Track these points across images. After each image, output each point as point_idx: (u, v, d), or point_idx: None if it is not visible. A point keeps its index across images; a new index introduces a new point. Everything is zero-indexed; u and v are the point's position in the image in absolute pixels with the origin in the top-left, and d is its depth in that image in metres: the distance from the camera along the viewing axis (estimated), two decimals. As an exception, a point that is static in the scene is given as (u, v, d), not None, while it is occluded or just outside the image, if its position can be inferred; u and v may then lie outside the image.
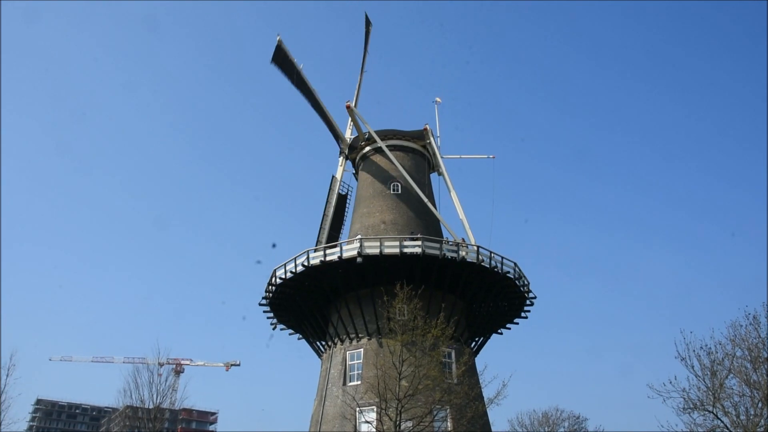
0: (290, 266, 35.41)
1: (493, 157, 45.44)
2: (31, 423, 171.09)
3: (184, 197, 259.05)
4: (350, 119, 43.09)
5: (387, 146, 40.72)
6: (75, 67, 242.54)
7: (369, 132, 41.53)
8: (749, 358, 32.34)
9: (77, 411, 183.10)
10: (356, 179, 44.57)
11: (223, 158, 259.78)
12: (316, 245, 40.18)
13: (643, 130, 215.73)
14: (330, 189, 43.19)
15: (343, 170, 44.04)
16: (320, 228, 41.98)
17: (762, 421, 31.14)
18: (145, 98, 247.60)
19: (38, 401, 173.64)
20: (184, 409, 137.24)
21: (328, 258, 34.32)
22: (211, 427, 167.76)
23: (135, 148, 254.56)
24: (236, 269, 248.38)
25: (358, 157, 43.82)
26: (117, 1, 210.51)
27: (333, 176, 43.62)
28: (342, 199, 43.98)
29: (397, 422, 25.84)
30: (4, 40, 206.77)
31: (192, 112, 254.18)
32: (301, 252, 35.13)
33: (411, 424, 26.94)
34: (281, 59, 39.59)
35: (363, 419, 30.56)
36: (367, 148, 42.85)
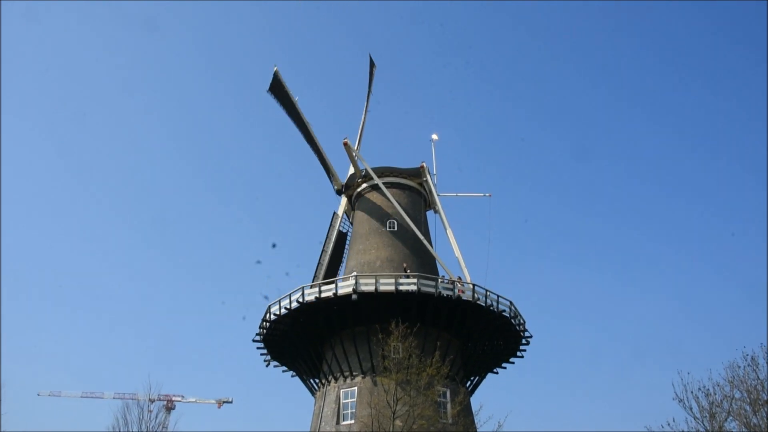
0: (285, 302, 35.25)
1: (490, 195, 45.65)
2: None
3: (172, 227, 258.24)
4: (348, 156, 43.32)
5: (383, 183, 40.92)
6: (75, 67, 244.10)
7: (366, 169, 41.80)
8: (748, 400, 32.01)
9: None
10: (350, 217, 44.54)
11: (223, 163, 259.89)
12: (314, 281, 40.06)
13: (647, 168, 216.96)
14: (330, 225, 43.18)
15: (344, 208, 44.16)
16: (318, 264, 41.87)
17: (763, 465, 30.70)
18: (146, 99, 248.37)
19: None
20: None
21: (323, 294, 34.20)
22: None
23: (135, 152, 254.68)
24: (242, 286, 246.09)
25: (354, 194, 43.97)
26: (117, 2, 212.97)
27: (334, 213, 43.69)
28: (342, 237, 43.93)
29: (391, 463, 25.43)
30: (4, 40, 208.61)
31: (192, 116, 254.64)
32: (296, 288, 35.04)
33: (405, 465, 26.51)
34: (278, 90, 40.01)
35: (356, 460, 30.06)
36: (364, 185, 43.02)
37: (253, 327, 37.92)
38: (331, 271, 42.15)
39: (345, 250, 44.22)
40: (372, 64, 47.45)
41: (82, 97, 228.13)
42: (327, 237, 42.65)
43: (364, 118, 46.24)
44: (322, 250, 42.32)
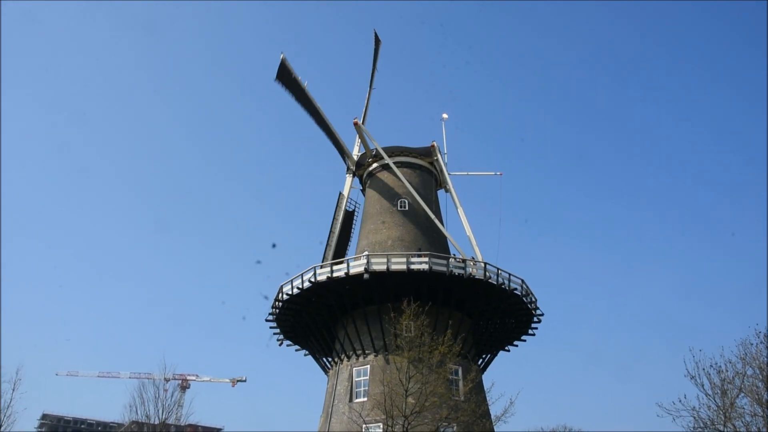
0: (297, 282, 35.44)
1: (501, 174, 45.53)
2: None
3: (186, 204, 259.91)
4: (357, 136, 43.27)
5: (394, 163, 40.87)
6: (75, 67, 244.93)
7: (376, 149, 41.71)
8: (760, 377, 32.01)
9: (83, 426, 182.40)
10: (363, 195, 44.63)
11: (224, 160, 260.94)
12: (323, 261, 40.25)
13: (653, 144, 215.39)
14: (337, 206, 43.25)
15: (351, 187, 44.15)
16: (327, 245, 41.98)
17: (774, 441, 30.75)
18: (146, 99, 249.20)
19: (44, 416, 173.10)
20: (190, 425, 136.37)
21: (335, 274, 34.34)
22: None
23: (135, 149, 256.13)
24: (245, 283, 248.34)
25: (365, 174, 43.96)
26: (117, 2, 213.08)
27: (340, 193, 43.75)
28: (349, 216, 44.00)
29: (404, 439, 25.69)
30: (4, 40, 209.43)
31: (193, 114, 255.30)
32: (308, 268, 35.19)
33: (418, 442, 26.79)
34: (285, 77, 39.72)
35: (369, 436, 30.37)
36: (375, 165, 43.00)
37: (266, 306, 38.25)
38: (340, 251, 42.30)
39: (353, 230, 44.39)
40: (377, 41, 47.05)
41: (83, 97, 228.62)
42: (334, 218, 42.68)
43: (369, 94, 45.92)
44: (330, 231, 42.37)
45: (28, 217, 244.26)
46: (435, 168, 43.45)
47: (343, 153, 44.06)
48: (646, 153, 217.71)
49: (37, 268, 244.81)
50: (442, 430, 29.77)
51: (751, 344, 32.67)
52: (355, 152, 44.57)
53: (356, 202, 44.82)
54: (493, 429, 33.39)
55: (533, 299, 36.89)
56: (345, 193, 43.68)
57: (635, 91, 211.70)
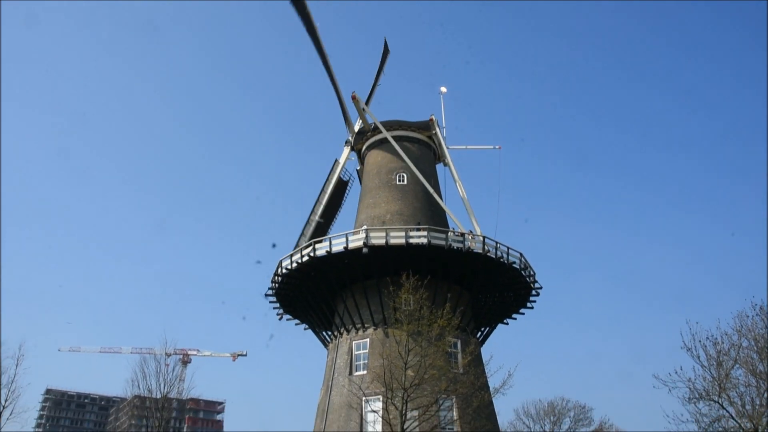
0: (296, 257, 35.52)
1: (500, 148, 45.44)
2: (41, 412, 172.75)
3: (189, 184, 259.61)
4: (356, 110, 42.97)
5: (393, 137, 40.70)
6: (75, 67, 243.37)
7: (375, 123, 41.50)
8: (756, 348, 32.32)
9: (86, 401, 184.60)
10: (360, 171, 44.41)
11: (225, 155, 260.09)
12: (309, 218, 40.85)
13: (645, 125, 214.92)
14: (331, 171, 43.19)
15: (347, 158, 43.91)
16: (316, 201, 42.24)
17: (767, 411, 31.18)
18: (146, 98, 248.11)
19: (48, 391, 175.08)
20: (192, 399, 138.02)
21: (334, 249, 34.39)
22: (219, 417, 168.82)
23: (136, 145, 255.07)
24: (241, 263, 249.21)
25: (363, 148, 43.81)
26: (116, 2, 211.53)
27: (336, 160, 43.56)
28: (342, 185, 43.83)
29: (403, 411, 25.96)
30: (4, 40, 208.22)
31: (193, 112, 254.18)
32: (306, 243, 35.22)
33: (417, 413, 27.10)
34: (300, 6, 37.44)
35: (369, 408, 30.72)
36: (373, 139, 42.84)
37: (266, 281, 38.39)
38: (329, 216, 42.68)
39: (344, 199, 44.44)
40: (386, 50, 46.63)
41: (83, 97, 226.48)
42: (327, 179, 42.72)
43: (372, 92, 45.31)
44: (321, 190, 42.51)
45: (30, 196, 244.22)
46: (434, 142, 43.29)
47: (345, 114, 43.24)
48: (643, 129, 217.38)
49: (39, 246, 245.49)
50: (441, 402, 30.09)
51: (747, 316, 32.93)
52: (355, 128, 44.33)
53: (351, 175, 44.76)
54: (491, 401, 33.79)
55: (531, 273, 37.03)
56: (341, 160, 43.52)
57: (631, 72, 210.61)
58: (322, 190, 42.72)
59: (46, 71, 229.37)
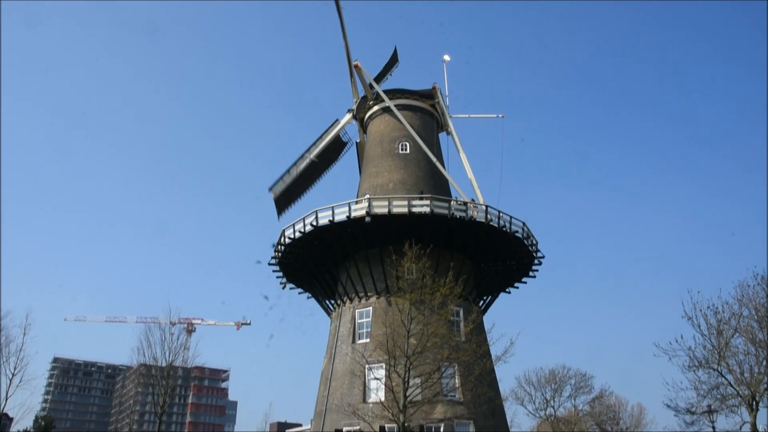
0: (299, 226, 35.52)
1: (503, 117, 45.07)
2: (49, 380, 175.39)
3: (191, 151, 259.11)
4: (359, 79, 42.50)
5: (395, 105, 40.39)
6: (74, 67, 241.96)
7: (377, 91, 41.12)
8: (756, 317, 32.51)
9: (93, 369, 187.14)
10: (358, 148, 44.03)
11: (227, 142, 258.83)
12: (303, 155, 41.75)
13: (646, 100, 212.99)
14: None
15: (347, 122, 43.54)
16: (312, 144, 42.27)
17: (765, 378, 31.48)
18: (146, 97, 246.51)
19: (55, 359, 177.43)
20: (197, 367, 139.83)
21: (336, 218, 34.33)
22: (223, 385, 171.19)
23: (139, 113, 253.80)
24: (246, 231, 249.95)
25: (366, 117, 43.50)
26: (116, 1, 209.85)
27: (356, 143, 43.60)
28: (340, 143, 43.52)
29: (406, 379, 26.23)
30: (4, 41, 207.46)
31: (194, 105, 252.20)
32: (309, 212, 35.19)
33: (419, 381, 27.37)
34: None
35: (372, 376, 31.03)
36: (376, 108, 42.49)
37: (270, 251, 38.46)
38: (324, 164, 42.99)
39: (337, 160, 44.30)
40: (394, 58, 45.50)
41: (83, 97, 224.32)
42: (326, 131, 42.58)
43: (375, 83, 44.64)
44: (319, 137, 42.38)
45: (35, 164, 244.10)
46: (436, 110, 42.96)
47: (353, 79, 42.57)
48: (645, 102, 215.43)
49: (44, 216, 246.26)
50: (443, 369, 30.39)
51: (749, 286, 33.07)
52: (356, 98, 43.90)
53: (351, 138, 44.49)
54: (493, 368, 34.12)
55: (534, 242, 37.03)
56: (342, 121, 43.28)
57: (631, 51, 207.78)
58: (320, 137, 42.48)
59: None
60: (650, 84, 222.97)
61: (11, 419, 61.29)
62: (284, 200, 41.78)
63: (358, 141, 43.81)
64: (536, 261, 38.30)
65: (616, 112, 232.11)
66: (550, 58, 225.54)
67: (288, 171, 41.63)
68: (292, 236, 35.82)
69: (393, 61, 45.53)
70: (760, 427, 31.21)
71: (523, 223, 36.01)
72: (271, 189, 41.55)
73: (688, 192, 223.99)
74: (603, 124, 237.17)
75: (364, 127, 43.96)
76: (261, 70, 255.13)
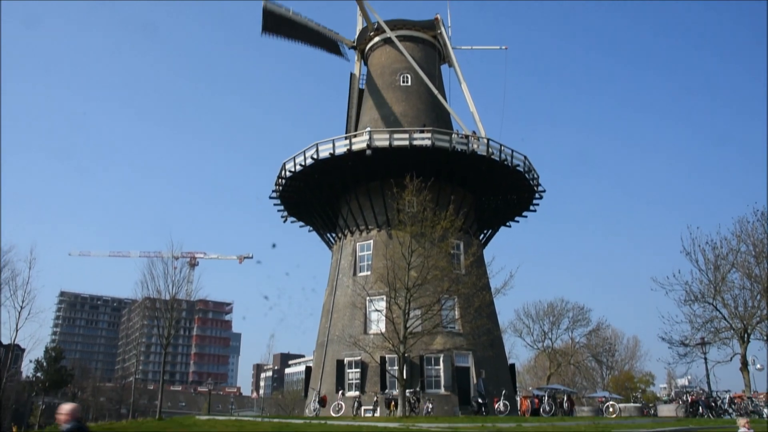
0: (299, 159, 35.26)
1: (506, 48, 44.19)
2: (57, 313, 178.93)
3: (194, 97, 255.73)
4: (359, 7, 41.29)
5: (396, 36, 39.43)
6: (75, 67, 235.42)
7: (378, 22, 40.04)
8: (753, 253, 32.84)
9: (99, 302, 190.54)
10: (351, 79, 42.80)
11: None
12: (306, 19, 39.83)
13: (650, 47, 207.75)
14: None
15: (361, 65, 42.71)
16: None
17: (758, 312, 32.09)
18: (145, 94, 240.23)
19: (62, 293, 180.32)
20: (201, 300, 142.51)
21: (337, 151, 34.06)
22: (227, 317, 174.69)
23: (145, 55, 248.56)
24: (248, 164, 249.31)
25: (367, 49, 42.53)
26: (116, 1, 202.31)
27: (351, 73, 42.27)
28: (334, 48, 42.40)
29: (406, 311, 26.53)
30: (5, 41, 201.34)
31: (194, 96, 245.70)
32: (310, 145, 34.86)
33: (419, 313, 27.73)
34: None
35: (373, 308, 31.44)
36: (376, 39, 41.51)
37: (272, 184, 38.34)
38: (313, 40, 41.22)
39: (327, 54, 43.03)
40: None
41: (83, 96, 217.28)
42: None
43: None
44: (348, 115, 40.87)
45: (38, 104, 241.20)
46: (438, 42, 41.98)
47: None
48: (646, 51, 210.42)
49: (48, 152, 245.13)
50: (443, 301, 30.78)
51: (748, 221, 33.25)
52: (358, 28, 42.79)
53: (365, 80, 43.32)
54: (492, 301, 34.60)
55: (535, 176, 36.89)
56: (356, 72, 42.34)
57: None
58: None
59: None
60: (654, 35, 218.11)
61: (23, 350, 62.98)
62: (272, 22, 38.71)
63: (353, 72, 42.66)
64: (537, 195, 38.29)
65: (621, 58, 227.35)
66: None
67: (292, 11, 39.24)
68: (292, 169, 35.64)
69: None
70: (749, 358, 31.98)
71: (525, 157, 35.79)
72: None
73: (688, 137, 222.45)
74: (607, 70, 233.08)
75: (364, 59, 43.00)
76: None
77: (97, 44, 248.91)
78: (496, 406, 28.94)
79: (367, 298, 31.71)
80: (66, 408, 7.75)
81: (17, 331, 36.72)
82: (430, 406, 27.99)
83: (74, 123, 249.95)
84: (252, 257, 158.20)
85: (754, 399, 28.94)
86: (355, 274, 34.91)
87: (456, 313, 32.08)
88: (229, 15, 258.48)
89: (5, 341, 51.73)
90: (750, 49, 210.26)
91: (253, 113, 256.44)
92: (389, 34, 39.37)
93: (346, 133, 40.17)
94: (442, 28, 41.73)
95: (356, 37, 42.62)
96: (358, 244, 35.52)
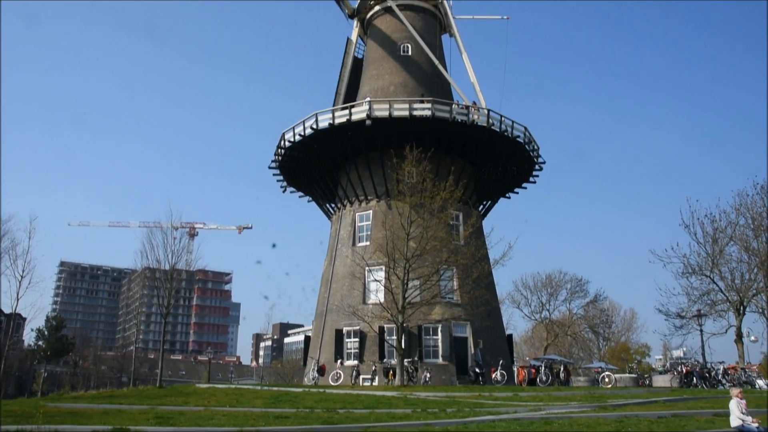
0: (299, 129, 35.06)
1: (508, 18, 43.69)
2: (57, 283, 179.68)
3: (194, 68, 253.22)
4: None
5: (397, 5, 38.93)
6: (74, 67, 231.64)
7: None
8: (752, 226, 32.90)
9: (99, 272, 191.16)
10: (346, 46, 42.32)
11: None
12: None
13: (653, 25, 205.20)
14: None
15: (358, 33, 42.17)
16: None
17: (755, 285, 32.27)
18: (143, 68, 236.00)
19: (62, 263, 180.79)
20: (200, 270, 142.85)
21: (336, 121, 33.87)
22: (227, 287, 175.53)
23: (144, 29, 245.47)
24: (248, 135, 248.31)
25: (366, 18, 41.96)
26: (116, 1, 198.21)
27: (348, 38, 41.77)
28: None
29: (405, 281, 26.66)
30: (5, 41, 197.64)
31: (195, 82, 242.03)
32: (309, 114, 34.64)
33: (418, 283, 27.88)
34: None
35: (372, 278, 31.57)
36: (377, 8, 40.93)
37: (271, 155, 38.17)
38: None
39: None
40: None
41: (83, 97, 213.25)
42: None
43: None
44: (339, 78, 40.69)
45: (38, 74, 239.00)
46: (439, 11, 41.45)
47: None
48: (648, 29, 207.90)
49: (48, 122, 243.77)
50: (441, 272, 30.89)
51: (747, 195, 33.25)
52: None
53: (366, 49, 42.84)
54: (491, 272, 34.70)
55: (535, 147, 36.72)
56: (353, 38, 41.83)
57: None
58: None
59: None
60: (657, 8, 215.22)
61: (24, 319, 63.35)
62: None
63: (350, 37, 42.05)
64: (537, 166, 38.17)
65: (623, 32, 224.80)
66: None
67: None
68: (292, 139, 35.46)
69: None
70: (744, 330, 32.27)
71: (525, 128, 35.59)
72: None
73: (690, 110, 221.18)
74: (609, 45, 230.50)
75: (365, 28, 42.44)
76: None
77: (96, 13, 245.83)
78: (493, 375, 29.22)
79: (366, 268, 31.82)
80: None
81: (18, 300, 36.87)
82: (428, 375, 28.27)
83: (74, 95, 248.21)
84: (251, 227, 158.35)
85: (747, 370, 29.25)
86: (354, 244, 34.96)
87: (454, 283, 32.23)
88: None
89: (6, 310, 52.09)
90: (750, 22, 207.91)
91: (253, 88, 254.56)
92: (389, 2, 38.86)
93: (335, 96, 40.17)
94: (443, -3, 41.14)
95: (356, 5, 41.97)
96: (357, 214, 35.51)
